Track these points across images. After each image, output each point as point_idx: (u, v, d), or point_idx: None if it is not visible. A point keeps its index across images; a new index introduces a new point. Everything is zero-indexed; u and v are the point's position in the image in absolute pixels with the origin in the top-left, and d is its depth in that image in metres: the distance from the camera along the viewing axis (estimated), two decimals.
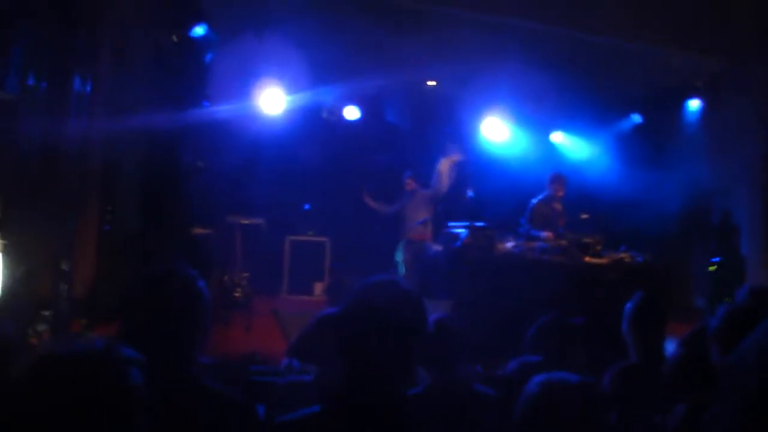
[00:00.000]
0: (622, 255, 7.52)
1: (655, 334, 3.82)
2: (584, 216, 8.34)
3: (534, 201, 8.54)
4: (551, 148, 11.36)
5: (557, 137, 11.42)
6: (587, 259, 7.44)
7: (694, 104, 10.36)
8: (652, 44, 8.72)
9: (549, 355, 3.65)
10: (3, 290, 4.51)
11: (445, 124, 11.04)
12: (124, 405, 1.48)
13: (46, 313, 4.98)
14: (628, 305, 3.90)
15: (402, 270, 9.77)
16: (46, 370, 1.43)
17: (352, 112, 10.75)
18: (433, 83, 10.59)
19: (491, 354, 5.30)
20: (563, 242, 7.52)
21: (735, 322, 4.20)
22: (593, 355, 3.97)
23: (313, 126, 10.36)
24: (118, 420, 1.46)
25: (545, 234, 7.99)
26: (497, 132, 10.83)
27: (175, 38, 8.55)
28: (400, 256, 9.85)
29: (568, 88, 9.69)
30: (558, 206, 8.51)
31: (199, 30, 8.48)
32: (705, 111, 10.14)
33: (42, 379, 1.42)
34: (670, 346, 4.35)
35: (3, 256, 4.58)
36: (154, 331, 2.13)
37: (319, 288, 10.00)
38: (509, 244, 7.58)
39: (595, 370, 3.85)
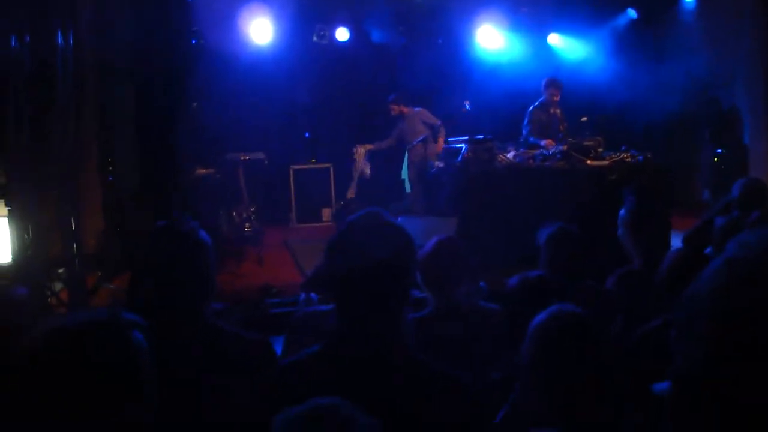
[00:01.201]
0: (624, 155, 7.49)
1: (654, 236, 3.81)
2: (584, 119, 8.30)
3: (531, 108, 8.49)
4: (548, 51, 11.16)
5: (553, 39, 11.19)
6: (589, 162, 7.43)
7: None
8: None
9: (556, 267, 3.70)
10: (15, 255, 4.60)
11: (438, 37, 10.86)
12: (132, 371, 1.56)
13: (60, 271, 5.09)
14: (621, 211, 3.89)
15: (408, 188, 9.85)
16: (52, 345, 1.50)
17: (342, 34, 10.56)
18: None
19: (499, 266, 5.40)
20: (564, 147, 7.51)
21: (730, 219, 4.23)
22: (599, 262, 4.02)
23: (305, 52, 10.22)
24: (128, 386, 1.54)
25: (545, 141, 7.98)
26: (492, 40, 10.65)
27: None
28: (405, 174, 9.90)
29: None
30: (556, 111, 8.46)
31: None
32: (701, 1, 9.89)
33: (50, 353, 1.49)
34: (677, 241, 4.41)
35: (9, 221, 4.65)
36: (162, 286, 2.19)
37: (327, 214, 10.09)
38: (510, 155, 7.58)
39: (602, 277, 3.90)
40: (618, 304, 3.58)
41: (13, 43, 4.74)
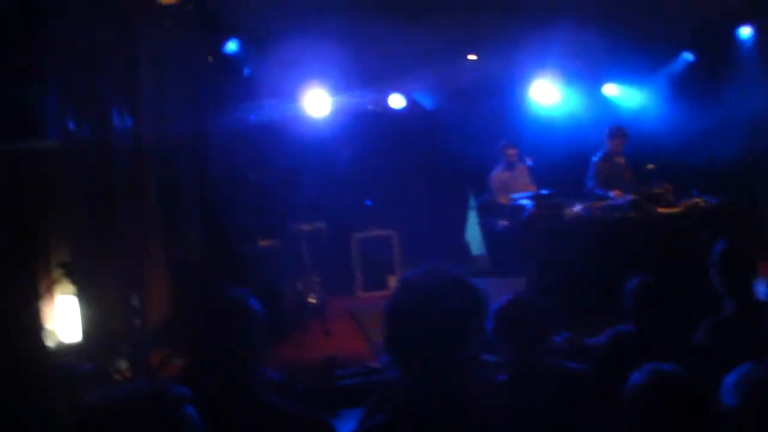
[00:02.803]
0: (696, 200, 7.21)
1: (746, 280, 3.60)
2: (650, 166, 8.01)
3: (594, 159, 8.25)
4: (605, 101, 10.97)
5: (610, 90, 11.02)
6: (660, 209, 7.15)
7: (745, 32, 9.85)
8: None
9: (645, 322, 3.48)
10: (83, 333, 4.59)
11: (492, 97, 10.80)
12: None
13: (124, 349, 5.05)
14: (714, 254, 3.68)
15: (473, 250, 9.61)
16: (95, 422, 1.39)
17: (397, 101, 10.60)
18: (474, 57, 10.34)
19: (575, 325, 5.12)
20: (633, 197, 7.24)
21: None
22: (685, 312, 3.77)
23: (361, 121, 10.28)
24: None
25: (613, 192, 7.71)
26: (547, 95, 10.53)
27: (210, 59, 8.61)
28: (472, 235, 9.63)
29: (614, 37, 9.32)
30: (621, 160, 8.22)
31: (231, 46, 8.51)
32: (758, 37, 9.62)
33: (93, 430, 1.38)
34: (761, 288, 4.12)
35: (78, 299, 4.64)
36: (208, 357, 2.11)
37: (393, 281, 9.92)
38: (577, 208, 7.33)
39: (690, 327, 3.65)
40: (713, 361, 3.31)
41: (71, 121, 4.82)
